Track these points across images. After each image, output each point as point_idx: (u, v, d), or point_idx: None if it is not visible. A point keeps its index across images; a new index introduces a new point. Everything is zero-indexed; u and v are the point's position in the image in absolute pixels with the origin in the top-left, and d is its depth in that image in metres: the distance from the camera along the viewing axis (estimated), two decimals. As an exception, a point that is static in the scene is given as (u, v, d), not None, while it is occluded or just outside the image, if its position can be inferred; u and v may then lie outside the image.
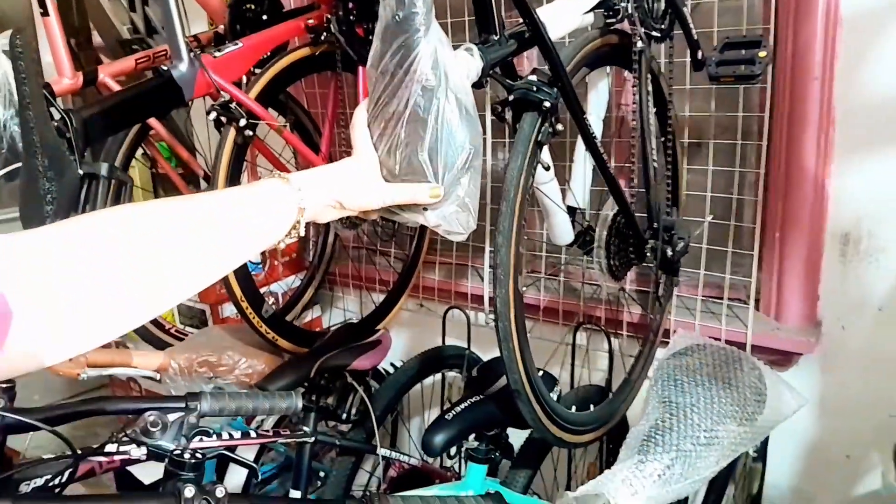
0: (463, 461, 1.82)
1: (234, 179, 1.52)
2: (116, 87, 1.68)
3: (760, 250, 1.65)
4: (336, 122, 1.86)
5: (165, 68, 1.38)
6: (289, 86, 1.73)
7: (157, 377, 1.45)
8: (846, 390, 1.63)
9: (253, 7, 1.79)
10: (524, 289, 1.62)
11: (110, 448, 1.01)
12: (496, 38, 1.01)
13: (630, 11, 1.24)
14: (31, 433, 1.10)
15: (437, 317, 2.03)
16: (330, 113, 1.85)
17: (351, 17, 1.60)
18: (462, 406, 1.38)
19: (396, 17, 0.68)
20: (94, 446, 1.05)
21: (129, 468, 1.39)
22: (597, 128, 1.46)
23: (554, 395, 1.37)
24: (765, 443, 1.61)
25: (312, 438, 1.45)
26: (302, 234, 0.67)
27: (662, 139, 1.50)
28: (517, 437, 1.56)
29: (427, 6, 0.68)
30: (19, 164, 1.28)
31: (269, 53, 1.65)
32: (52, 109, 1.24)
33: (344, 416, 1.60)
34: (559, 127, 1.08)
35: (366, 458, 1.83)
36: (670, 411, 1.25)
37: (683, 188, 1.68)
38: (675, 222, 1.43)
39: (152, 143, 2.11)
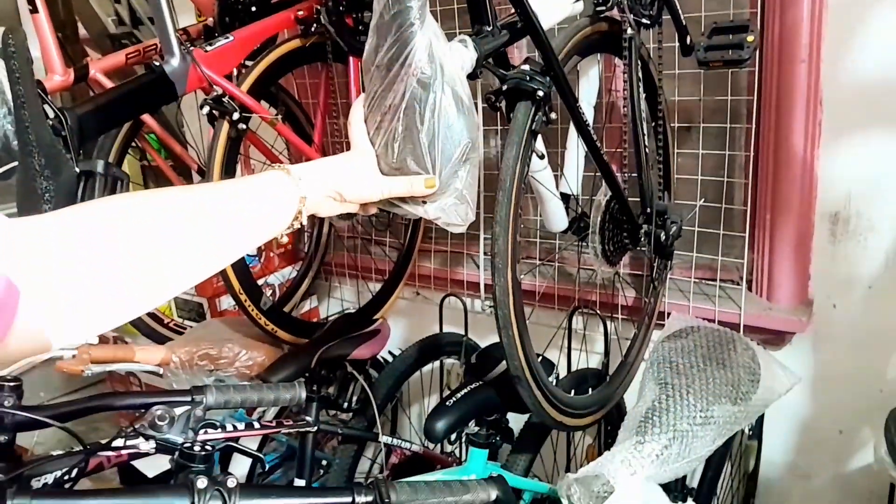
0: (463, 446, 1.84)
1: (228, 173, 1.52)
2: (107, 83, 1.68)
3: (751, 232, 1.67)
4: (328, 112, 1.86)
5: (158, 64, 1.38)
6: (280, 78, 1.73)
7: (160, 371, 1.46)
8: (838, 367, 1.66)
9: (241, -1, 1.79)
10: (522, 276, 1.63)
11: (118, 443, 1.03)
12: (489, 29, 1.02)
13: (620, -1, 1.25)
14: (38, 430, 1.11)
15: (433, 305, 2.05)
16: (321, 103, 1.86)
17: (340, 8, 1.61)
18: (462, 392, 1.40)
19: (391, 11, 0.68)
20: (103, 441, 1.06)
21: (132, 462, 1.41)
22: (588, 115, 1.48)
23: (552, 380, 1.39)
24: (760, 421, 1.64)
25: (315, 428, 1.47)
26: (305, 223, 0.68)
27: (653, 124, 1.51)
28: (516, 421, 1.59)
29: (421, 0, 0.69)
30: (15, 164, 1.28)
31: (259, 46, 1.65)
32: (47, 108, 1.24)
33: (345, 405, 1.62)
34: (552, 115, 1.09)
35: (367, 445, 1.86)
36: (666, 392, 1.27)
37: (674, 172, 1.69)
38: (667, 206, 1.45)
39: (143, 136, 2.10)
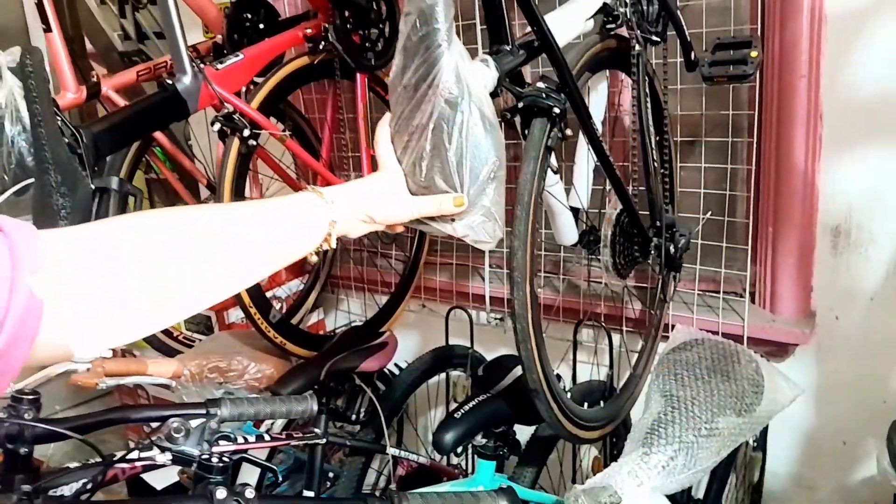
0: (470, 458, 1.86)
1: (239, 188, 1.54)
2: (119, 100, 1.71)
3: (754, 244, 1.69)
4: (335, 127, 1.89)
5: (171, 82, 1.41)
6: (289, 95, 1.76)
7: (172, 384, 1.48)
8: (841, 379, 1.68)
9: (250, 17, 1.82)
10: (540, 290, 1.65)
11: (134, 455, 1.04)
12: (508, 49, 1.04)
13: (629, 17, 1.28)
14: (53, 443, 1.13)
15: (439, 317, 2.06)
16: (329, 119, 1.89)
17: (348, 26, 1.64)
18: (471, 404, 1.42)
19: (419, 33, 0.70)
20: (118, 453, 1.08)
21: (141, 475, 1.43)
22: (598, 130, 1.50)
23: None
24: (764, 432, 1.65)
25: (324, 440, 1.49)
26: (333, 246, 0.69)
27: (658, 138, 1.54)
28: (521, 433, 1.60)
29: (448, 21, 0.70)
30: (31, 181, 1.31)
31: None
32: (63, 126, 1.26)
33: (353, 417, 1.63)
34: (568, 132, 1.10)
35: (374, 457, 1.87)
36: (672, 404, 1.29)
37: (677, 186, 1.72)
38: (675, 220, 1.47)
39: (152, 150, 2.13)
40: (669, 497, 1.21)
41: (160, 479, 1.63)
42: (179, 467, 1.33)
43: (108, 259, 0.52)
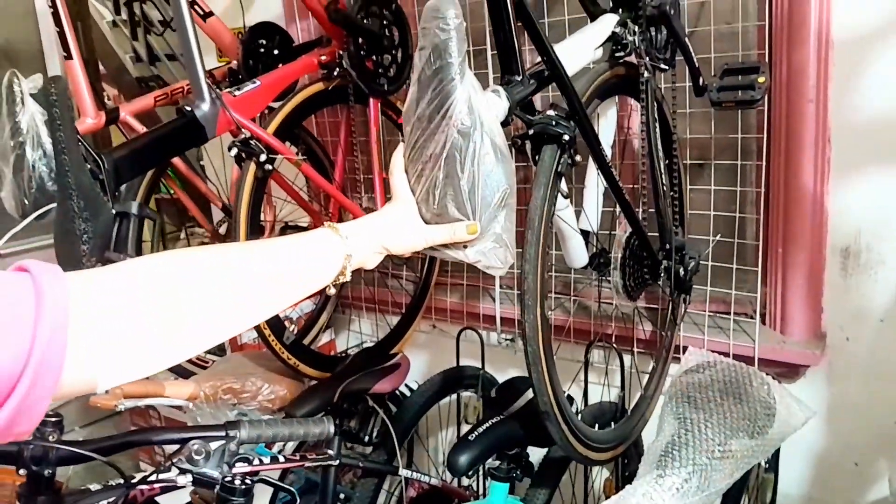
0: (481, 480, 1.86)
1: (255, 212, 1.57)
2: (137, 125, 1.74)
3: (764, 266, 1.71)
4: (348, 151, 1.91)
5: (189, 109, 1.43)
6: (304, 120, 1.79)
7: (190, 406, 1.50)
8: (852, 400, 1.68)
9: (265, 43, 1.86)
10: (550, 313, 1.66)
11: (154, 477, 1.06)
12: (518, 79, 1.06)
13: (637, 45, 1.30)
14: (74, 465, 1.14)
15: (450, 338, 2.08)
16: (342, 143, 1.91)
17: (362, 52, 1.67)
18: (484, 426, 1.43)
19: (433, 66, 0.72)
20: (138, 475, 1.09)
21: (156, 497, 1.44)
22: (607, 154, 1.52)
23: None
24: (776, 454, 1.65)
25: (337, 461, 1.49)
26: (349, 279, 0.72)
27: (668, 162, 1.56)
28: (534, 454, 1.61)
29: (461, 55, 0.73)
30: (52, 206, 1.33)
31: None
32: (85, 152, 1.29)
33: (366, 438, 1.64)
34: (577, 157, 1.13)
35: (385, 478, 1.87)
36: (685, 427, 1.30)
37: (687, 208, 1.73)
38: (685, 242, 1.48)
39: (166, 172, 2.16)
40: (683, 519, 1.21)
41: (172, 500, 1.64)
42: (192, 488, 1.34)
43: (129, 295, 0.54)
